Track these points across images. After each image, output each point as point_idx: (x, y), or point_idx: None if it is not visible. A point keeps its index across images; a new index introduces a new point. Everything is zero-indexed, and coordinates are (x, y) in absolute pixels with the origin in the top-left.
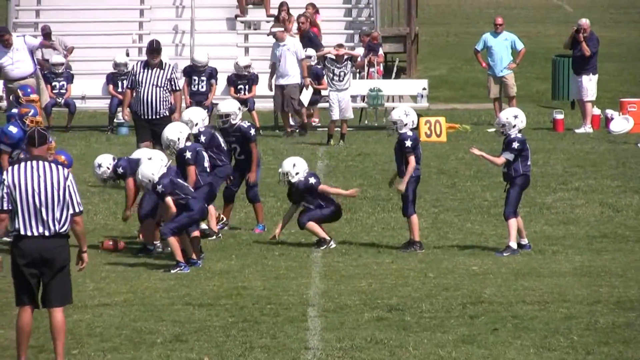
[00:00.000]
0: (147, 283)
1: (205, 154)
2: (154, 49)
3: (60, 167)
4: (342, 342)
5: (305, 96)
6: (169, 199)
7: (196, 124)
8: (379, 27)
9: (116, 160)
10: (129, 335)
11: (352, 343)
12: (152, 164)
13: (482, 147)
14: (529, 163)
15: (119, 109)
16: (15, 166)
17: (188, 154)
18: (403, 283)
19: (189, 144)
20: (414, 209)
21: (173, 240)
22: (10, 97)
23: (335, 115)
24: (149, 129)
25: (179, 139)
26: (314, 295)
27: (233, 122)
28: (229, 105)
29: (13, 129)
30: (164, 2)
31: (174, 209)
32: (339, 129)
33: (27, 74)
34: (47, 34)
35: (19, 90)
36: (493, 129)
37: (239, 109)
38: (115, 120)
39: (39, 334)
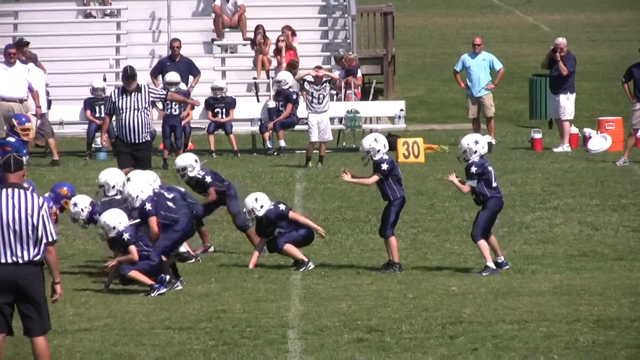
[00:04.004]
0: (127, 307)
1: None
2: (129, 75)
3: (35, 195)
4: None
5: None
6: (132, 247)
7: (137, 197)
8: (355, 49)
9: (92, 207)
10: None
11: None
12: (116, 213)
13: (459, 169)
14: (494, 185)
15: (97, 134)
16: None
17: (148, 206)
18: (382, 304)
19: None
20: (392, 231)
21: (134, 273)
22: (5, 127)
23: (314, 137)
24: (130, 154)
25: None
26: (294, 318)
27: (190, 174)
28: (185, 160)
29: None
30: (140, 27)
31: (136, 256)
32: (317, 152)
33: (17, 97)
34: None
35: (13, 120)
36: None
37: (196, 161)
38: (93, 145)
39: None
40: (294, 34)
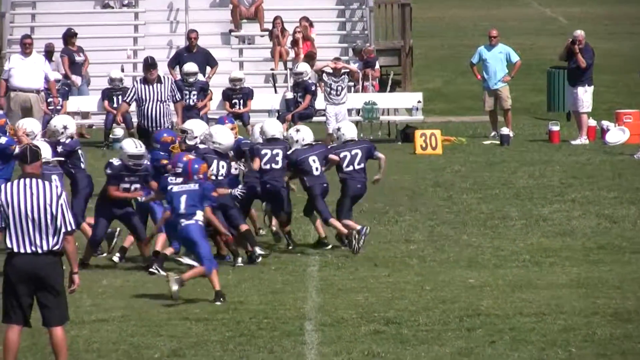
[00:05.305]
0: (144, 298)
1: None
2: (150, 64)
3: (53, 185)
4: (339, 356)
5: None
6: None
7: (61, 131)
8: (373, 41)
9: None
10: (126, 351)
11: (349, 357)
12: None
13: (477, 159)
14: (315, 174)
15: (115, 125)
16: (9, 184)
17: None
18: (400, 296)
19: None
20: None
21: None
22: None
23: (332, 129)
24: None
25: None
26: (311, 309)
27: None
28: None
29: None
30: (158, 17)
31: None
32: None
33: (34, 88)
34: (49, 51)
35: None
36: (489, 141)
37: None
38: (110, 136)
39: (36, 350)
40: (311, 25)
